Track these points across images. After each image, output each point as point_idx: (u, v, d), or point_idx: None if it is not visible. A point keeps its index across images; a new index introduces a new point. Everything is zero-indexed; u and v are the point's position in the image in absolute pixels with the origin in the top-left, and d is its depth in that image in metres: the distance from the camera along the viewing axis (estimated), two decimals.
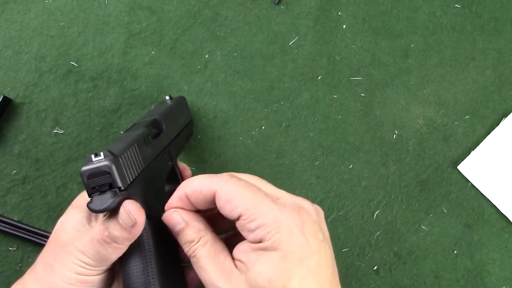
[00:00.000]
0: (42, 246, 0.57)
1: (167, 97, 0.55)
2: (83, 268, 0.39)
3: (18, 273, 0.58)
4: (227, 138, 0.59)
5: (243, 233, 0.37)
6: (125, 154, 0.41)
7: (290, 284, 0.34)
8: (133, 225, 0.38)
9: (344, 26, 0.60)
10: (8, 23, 0.59)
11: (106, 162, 0.38)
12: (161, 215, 0.41)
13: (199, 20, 0.60)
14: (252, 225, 0.36)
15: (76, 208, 0.44)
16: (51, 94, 0.59)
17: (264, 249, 0.35)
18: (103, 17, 0.59)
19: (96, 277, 0.40)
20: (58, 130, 0.59)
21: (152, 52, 0.59)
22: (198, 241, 0.39)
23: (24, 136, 0.59)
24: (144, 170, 0.43)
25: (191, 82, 0.59)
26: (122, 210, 0.38)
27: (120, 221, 0.38)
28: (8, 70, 0.59)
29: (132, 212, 0.38)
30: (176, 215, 0.40)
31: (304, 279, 0.35)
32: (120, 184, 0.39)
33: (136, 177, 0.41)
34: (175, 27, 0.60)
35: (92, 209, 0.38)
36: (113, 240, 0.39)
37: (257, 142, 0.60)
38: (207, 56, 0.60)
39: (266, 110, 0.60)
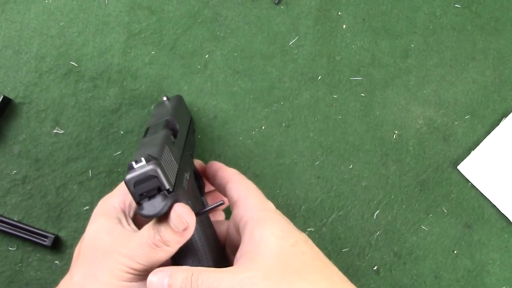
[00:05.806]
0: (42, 246, 0.57)
1: (164, 98, 0.54)
2: (130, 275, 0.39)
3: (18, 273, 0.58)
4: (227, 138, 0.59)
5: None
6: (163, 156, 0.40)
7: None
8: (185, 228, 0.38)
9: (344, 26, 0.60)
10: (8, 23, 0.59)
11: (151, 166, 0.37)
12: (202, 212, 0.42)
13: (199, 20, 0.60)
14: None
15: (103, 215, 0.43)
16: (51, 94, 0.59)
17: None
18: (103, 17, 0.59)
19: (140, 282, 0.40)
20: (58, 130, 0.59)
21: (152, 52, 0.59)
22: None
23: (24, 136, 0.59)
24: (178, 170, 0.42)
25: (191, 82, 0.59)
26: (173, 214, 0.38)
27: (172, 225, 0.38)
28: (8, 70, 0.59)
29: (184, 215, 0.38)
30: None
31: None
32: (168, 186, 0.38)
33: (176, 178, 0.41)
34: (175, 27, 0.60)
35: (145, 215, 0.37)
36: (165, 243, 0.38)
37: (257, 142, 0.60)
38: (207, 56, 0.60)
39: (266, 110, 0.60)
